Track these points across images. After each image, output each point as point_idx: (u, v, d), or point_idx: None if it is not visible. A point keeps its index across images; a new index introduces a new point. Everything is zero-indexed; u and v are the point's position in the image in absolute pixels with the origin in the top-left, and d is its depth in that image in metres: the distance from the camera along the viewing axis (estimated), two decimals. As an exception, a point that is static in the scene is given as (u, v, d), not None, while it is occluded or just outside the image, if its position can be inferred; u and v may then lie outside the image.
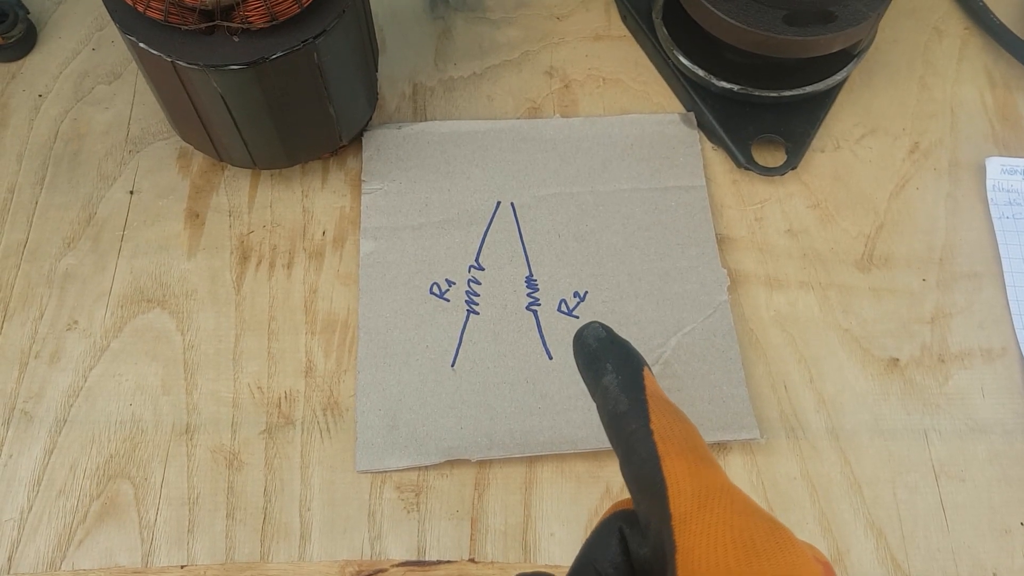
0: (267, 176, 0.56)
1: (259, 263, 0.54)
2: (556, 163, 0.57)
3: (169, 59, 0.45)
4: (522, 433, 0.48)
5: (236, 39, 0.45)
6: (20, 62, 0.58)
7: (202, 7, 0.44)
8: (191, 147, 0.55)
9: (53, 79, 0.58)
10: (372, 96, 0.56)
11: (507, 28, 0.62)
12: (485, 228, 0.55)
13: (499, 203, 0.55)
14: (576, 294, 0.52)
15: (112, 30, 0.59)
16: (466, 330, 0.51)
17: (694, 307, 0.52)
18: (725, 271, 0.53)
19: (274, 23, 0.45)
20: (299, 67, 0.47)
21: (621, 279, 0.53)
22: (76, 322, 0.51)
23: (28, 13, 0.58)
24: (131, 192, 0.55)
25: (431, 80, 0.60)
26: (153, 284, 0.52)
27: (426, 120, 0.58)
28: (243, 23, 0.44)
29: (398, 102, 0.59)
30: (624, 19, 0.61)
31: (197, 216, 0.55)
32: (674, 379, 0.49)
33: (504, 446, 0.48)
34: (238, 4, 0.44)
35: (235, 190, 0.56)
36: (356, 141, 0.57)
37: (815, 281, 0.53)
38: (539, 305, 0.52)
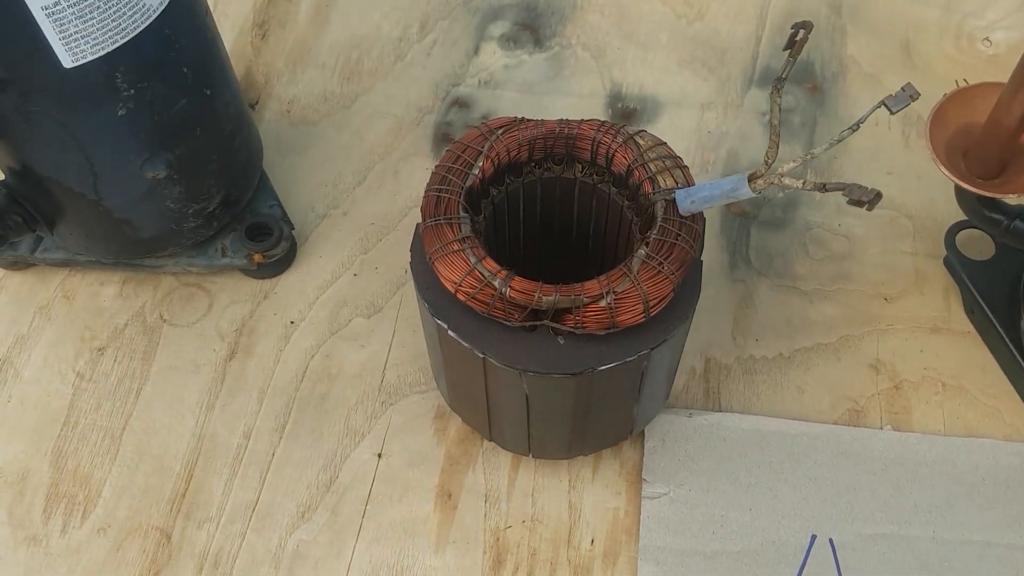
0: (530, 456, 0.48)
1: (516, 570, 0.45)
2: (887, 492, 0.46)
3: (481, 356, 0.38)
4: None
5: (561, 341, 0.38)
6: (275, 280, 0.54)
7: (535, 306, 0.37)
8: (449, 407, 0.48)
9: (308, 305, 0.53)
10: (671, 385, 0.47)
11: (822, 303, 0.53)
12: (798, 572, 0.44)
13: (814, 537, 0.45)
14: None
15: (378, 256, 0.54)
16: None
17: None
18: None
19: (610, 331, 0.37)
20: (623, 376, 0.39)
21: None
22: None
23: (293, 229, 0.54)
24: (379, 455, 0.48)
25: (727, 357, 0.51)
26: (393, 581, 0.44)
27: (720, 409, 0.49)
28: (575, 327, 0.37)
29: (687, 380, 0.50)
30: (969, 312, 0.51)
31: (450, 497, 0.47)
32: None
33: None
34: (576, 307, 0.37)
35: (494, 468, 0.48)
36: (640, 427, 0.49)
37: None
38: None
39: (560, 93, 0.62)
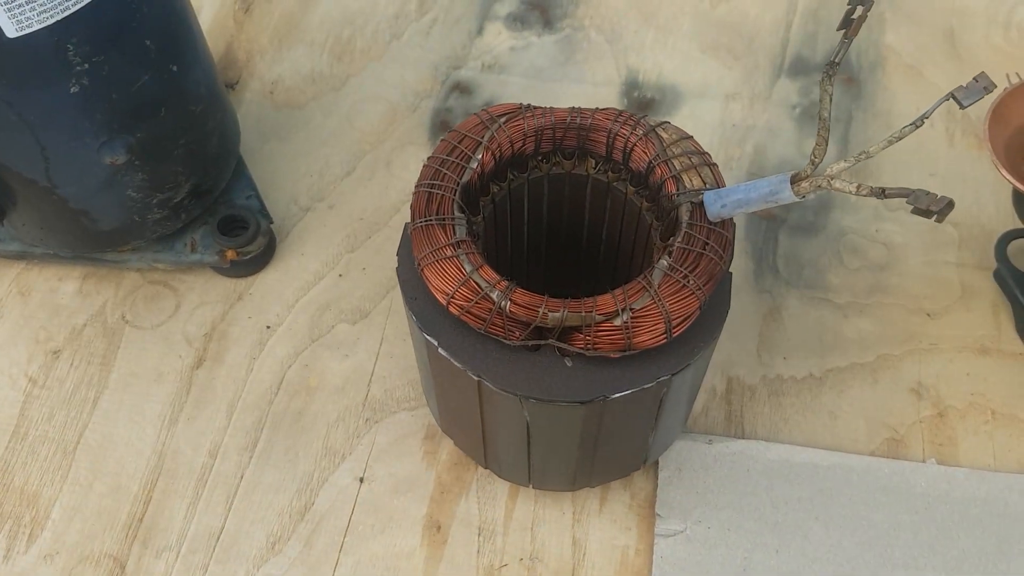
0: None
1: (511, 616, 0.40)
2: (931, 534, 0.41)
3: (476, 378, 0.33)
4: None
5: (569, 363, 0.33)
6: (250, 279, 0.49)
7: (540, 323, 0.32)
8: (440, 428, 0.43)
9: (287, 308, 0.48)
10: (690, 410, 0.43)
11: (857, 319, 0.47)
12: (831, 625, 0.39)
13: (849, 585, 0.40)
14: None
15: (366, 255, 0.49)
16: None
17: None
18: None
19: (626, 354, 0.32)
20: (639, 404, 0.34)
21: None
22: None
23: (272, 223, 0.49)
24: (361, 479, 0.43)
25: (752, 376, 0.46)
26: (371, 625, 0.39)
27: (744, 435, 0.44)
28: (585, 348, 0.32)
29: (706, 401, 0.45)
30: (1022, 331, 0.46)
31: (439, 529, 0.42)
32: None
33: None
34: (587, 326, 0.32)
35: (490, 497, 0.43)
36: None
37: None
38: None
39: (571, 80, 0.56)
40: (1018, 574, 0.40)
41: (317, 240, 0.50)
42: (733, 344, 0.47)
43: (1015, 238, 0.47)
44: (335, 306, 0.48)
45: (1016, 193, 0.42)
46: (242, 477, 0.43)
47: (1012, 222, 0.48)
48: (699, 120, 0.55)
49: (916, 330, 0.47)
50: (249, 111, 0.54)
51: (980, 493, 0.42)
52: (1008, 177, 0.39)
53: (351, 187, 0.52)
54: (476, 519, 0.42)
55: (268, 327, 0.47)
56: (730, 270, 0.35)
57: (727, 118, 0.54)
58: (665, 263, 0.32)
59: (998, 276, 0.47)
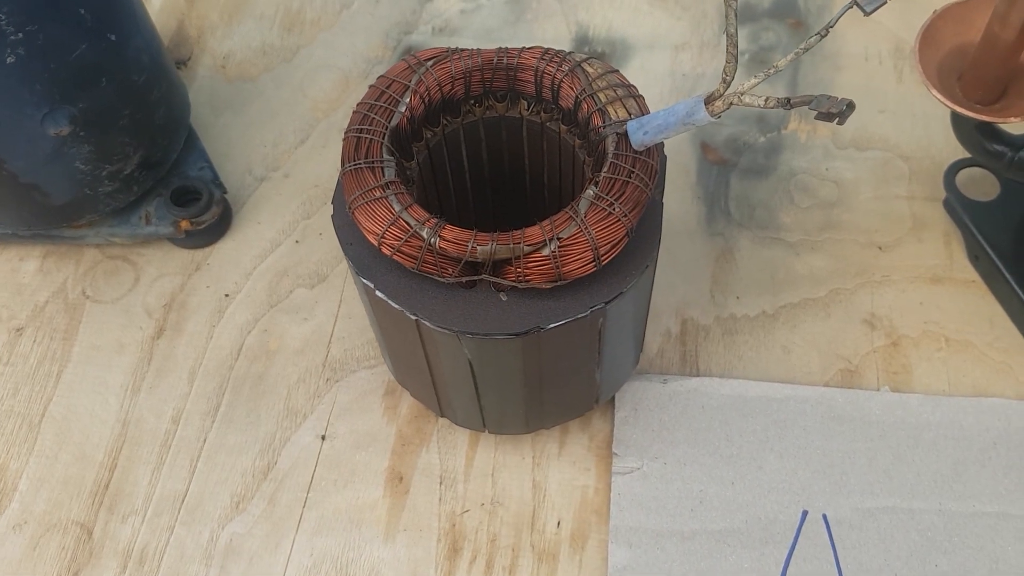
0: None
1: (473, 560, 0.40)
2: (887, 460, 0.41)
3: (414, 317, 0.33)
4: None
5: (503, 297, 0.33)
6: (208, 250, 0.49)
7: (470, 258, 0.32)
8: (397, 381, 0.44)
9: (245, 276, 0.48)
10: (640, 347, 0.43)
11: (809, 255, 0.48)
12: (788, 552, 0.39)
13: (805, 513, 0.40)
14: None
15: (323, 221, 0.50)
16: None
17: None
18: None
19: (558, 284, 0.33)
20: (577, 335, 0.34)
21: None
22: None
23: (226, 193, 0.49)
24: (323, 437, 0.43)
25: (705, 317, 0.46)
26: (336, 576, 0.40)
27: (699, 374, 0.45)
28: (517, 281, 0.33)
29: (661, 343, 0.46)
30: (974, 259, 0.46)
31: (401, 480, 0.43)
32: None
33: None
34: (516, 258, 0.32)
35: (450, 447, 0.43)
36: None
37: None
38: None
39: (522, 39, 0.56)
40: (973, 495, 0.40)
41: (273, 208, 0.50)
42: (687, 287, 0.47)
43: (964, 167, 0.48)
44: (293, 271, 0.48)
45: (954, 117, 0.42)
46: (205, 441, 0.43)
47: (960, 152, 0.48)
48: (650, 71, 0.55)
49: (868, 263, 0.47)
50: (202, 86, 0.54)
51: (935, 418, 0.42)
52: (940, 98, 0.39)
53: (305, 155, 0.52)
54: (437, 469, 0.43)
55: (227, 295, 0.47)
56: (662, 200, 0.35)
57: (677, 68, 0.55)
58: (591, 192, 0.32)
59: (948, 205, 0.47)
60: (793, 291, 0.46)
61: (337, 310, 0.47)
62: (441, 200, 0.40)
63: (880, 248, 0.47)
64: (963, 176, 0.47)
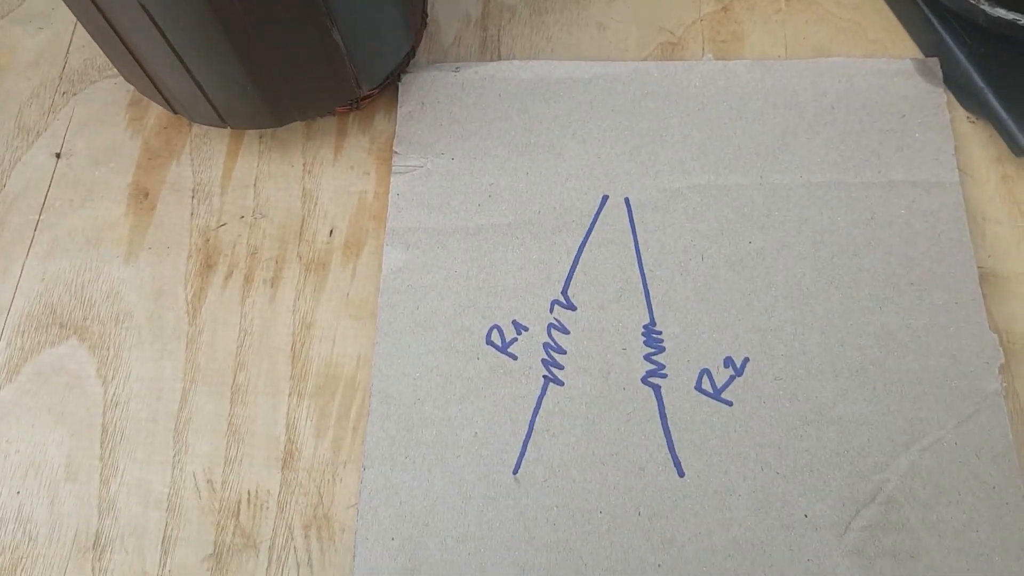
0: (253, 139, 0.37)
1: (229, 275, 0.35)
2: (703, 136, 0.36)
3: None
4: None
5: (158, -97, 0.26)
6: (-72, -42, 0.42)
7: None
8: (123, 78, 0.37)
9: (-33, -16, 0.41)
10: (413, 18, 0.36)
11: (635, -84, 0.40)
12: (581, 240, 0.35)
13: (606, 198, 0.35)
14: (728, 362, 0.32)
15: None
16: (541, 411, 0.32)
17: (941, 400, 0.30)
18: (995, 336, 0.31)
19: None
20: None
21: (809, 340, 0.31)
22: (-45, 353, 0.35)
23: None
24: (58, 155, 0.37)
25: (512, -4, 0.39)
26: (71, 300, 0.34)
27: (500, 58, 0.39)
28: None
29: (459, 29, 0.39)
30: (826, -97, 0.39)
31: (146, 196, 0.37)
32: (907, 533, 0.28)
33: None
34: None
35: (205, 158, 0.37)
36: (389, 89, 0.37)
37: None
38: (664, 377, 0.32)
39: None
40: (801, 165, 0.34)
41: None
42: (492, -35, 0.40)
43: None
44: (23, -26, 0.41)
45: None
46: (-79, 168, 0.38)
47: None
48: None
49: (703, -80, 0.40)
50: None
51: (764, 85, 0.36)
52: None
53: None
54: (189, 182, 0.37)
55: (-53, 7, 0.40)
56: None
57: None
58: None
59: None
60: (614, -41, 0.39)
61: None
62: None
63: (719, -98, 0.40)
64: None
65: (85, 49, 0.39)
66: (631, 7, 0.38)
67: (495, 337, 0.32)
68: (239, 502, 0.31)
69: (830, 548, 0.28)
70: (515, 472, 0.30)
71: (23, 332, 0.34)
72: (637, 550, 0.29)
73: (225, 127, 0.35)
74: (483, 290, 0.33)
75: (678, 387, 0.31)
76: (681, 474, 0.30)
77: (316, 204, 0.36)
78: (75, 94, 0.38)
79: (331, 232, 0.35)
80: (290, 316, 0.34)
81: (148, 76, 0.32)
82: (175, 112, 0.35)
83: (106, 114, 0.38)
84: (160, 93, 0.33)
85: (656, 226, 0.34)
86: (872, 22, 0.37)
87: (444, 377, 0.32)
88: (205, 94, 0.32)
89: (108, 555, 0.31)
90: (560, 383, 0.31)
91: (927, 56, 0.36)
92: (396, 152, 0.36)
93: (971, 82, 0.34)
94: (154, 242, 0.35)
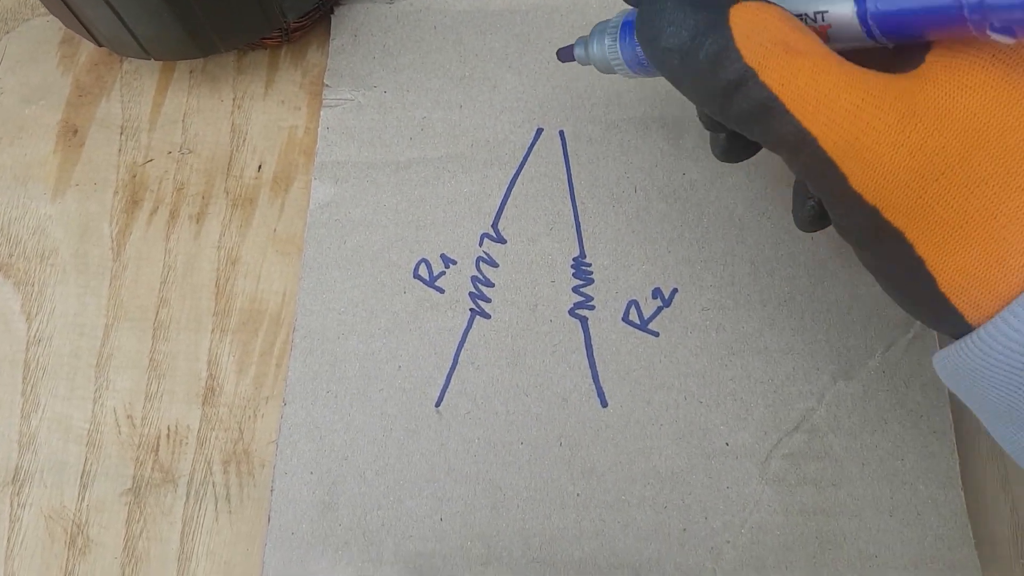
0: (184, 73, 0.36)
1: (155, 211, 0.35)
2: (641, 66, 0.35)
3: None
4: (547, 539, 0.28)
5: None
6: None
7: None
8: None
9: None
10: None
11: None
12: (513, 173, 0.34)
13: (540, 131, 0.34)
14: (657, 293, 0.31)
15: None
16: (466, 344, 0.31)
17: (870, 328, 0.29)
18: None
19: None
20: None
21: (738, 270, 0.31)
22: None
23: None
24: (-15, 94, 0.37)
25: (452, -71, 0.38)
26: (-4, 237, 0.35)
27: (438, -7, 0.38)
28: None
29: (397, -37, 0.38)
30: None
31: (75, 133, 0.36)
32: (830, 461, 0.28)
33: (514, 561, 0.28)
34: None
35: (135, 95, 0.37)
36: (322, 22, 0.36)
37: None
38: (591, 309, 0.31)
39: None
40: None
41: None
42: (432, -102, 0.39)
43: None
44: (-46, -89, 0.40)
45: None
46: None
47: None
48: None
49: None
50: None
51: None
52: None
53: None
54: (119, 119, 0.36)
55: None
56: None
57: None
58: None
59: None
60: None
61: (9, -47, 0.39)
62: None
63: None
64: None
65: (16, -14, 0.38)
66: (572, -62, 0.37)
67: (422, 271, 0.32)
68: (159, 437, 0.31)
69: (750, 476, 0.27)
70: (438, 405, 0.30)
71: (-53, 269, 0.34)
72: (556, 480, 0.28)
73: (150, 59, 0.34)
74: (412, 224, 0.32)
75: (605, 318, 0.30)
76: (604, 404, 0.29)
77: (245, 139, 0.35)
78: (8, 32, 0.37)
79: (260, 167, 0.35)
80: (215, 252, 0.33)
81: (69, 7, 0.31)
82: (100, 45, 0.34)
83: (38, 52, 0.37)
84: (84, 26, 0.32)
85: (590, 159, 0.33)
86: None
87: (369, 311, 0.31)
88: (124, 22, 0.31)
89: (27, 489, 0.31)
90: (487, 316, 0.31)
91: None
92: (327, 85, 0.35)
93: None
94: (81, 179, 0.35)
